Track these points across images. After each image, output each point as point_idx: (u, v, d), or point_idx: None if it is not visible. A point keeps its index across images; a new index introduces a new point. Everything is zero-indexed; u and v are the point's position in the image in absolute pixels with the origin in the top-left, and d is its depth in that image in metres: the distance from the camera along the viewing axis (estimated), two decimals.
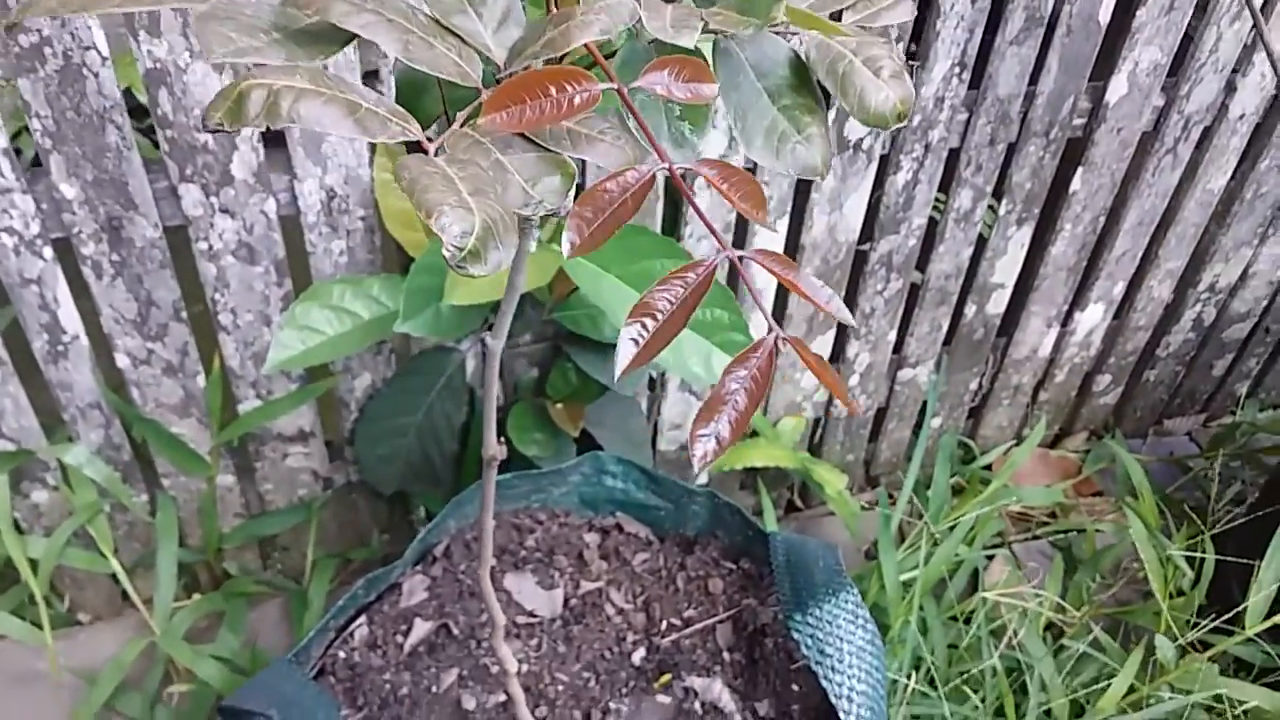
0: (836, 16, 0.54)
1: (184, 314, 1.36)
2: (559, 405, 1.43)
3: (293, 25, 0.46)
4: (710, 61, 0.52)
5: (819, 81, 0.54)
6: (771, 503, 1.74)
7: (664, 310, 0.42)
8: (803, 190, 1.47)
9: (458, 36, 0.49)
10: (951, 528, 1.67)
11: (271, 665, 1.09)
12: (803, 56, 0.53)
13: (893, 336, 1.69)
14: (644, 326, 0.42)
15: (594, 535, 1.33)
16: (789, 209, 1.48)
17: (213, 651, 1.48)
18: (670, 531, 1.33)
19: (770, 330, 0.43)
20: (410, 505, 1.69)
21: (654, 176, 0.44)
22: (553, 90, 0.43)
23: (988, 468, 1.88)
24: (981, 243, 1.63)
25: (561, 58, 0.49)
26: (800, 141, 0.52)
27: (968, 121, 1.46)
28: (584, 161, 0.71)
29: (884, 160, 1.47)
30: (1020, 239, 1.62)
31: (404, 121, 0.44)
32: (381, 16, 0.46)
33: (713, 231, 0.43)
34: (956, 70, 1.38)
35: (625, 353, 0.42)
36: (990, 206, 1.59)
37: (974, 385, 1.83)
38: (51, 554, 1.44)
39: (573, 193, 0.47)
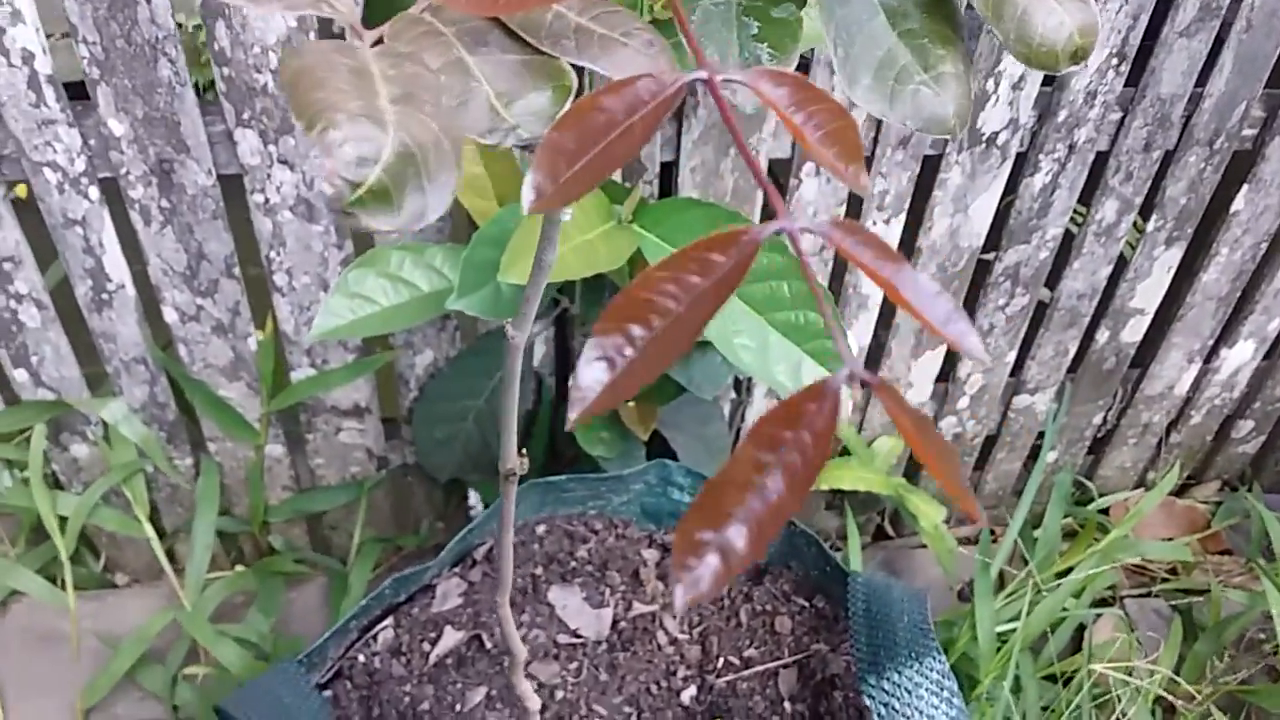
0: None
1: (236, 270, 1.26)
2: (630, 404, 1.29)
3: None
4: None
5: None
6: (858, 528, 1.59)
7: (667, 313, 0.27)
8: (924, 186, 1.31)
9: None
10: (1060, 576, 1.49)
11: (276, 667, 0.98)
12: None
13: (1012, 358, 1.51)
14: (628, 341, 0.27)
15: (653, 552, 1.19)
16: (906, 206, 1.32)
17: (239, 633, 1.38)
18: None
19: (846, 368, 0.28)
20: (467, 494, 1.57)
21: (680, 89, 0.29)
22: None
23: (1104, 511, 1.70)
24: (1122, 262, 1.44)
25: None
26: (925, 82, 0.37)
27: (1121, 122, 1.28)
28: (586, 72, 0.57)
29: (1020, 159, 1.30)
30: (1168, 261, 1.43)
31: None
32: None
33: (764, 184, 0.29)
34: (1114, 62, 1.21)
35: (589, 381, 0.27)
36: (1136, 223, 1.40)
37: (1098, 419, 1.65)
38: (81, 512, 1.36)
39: None
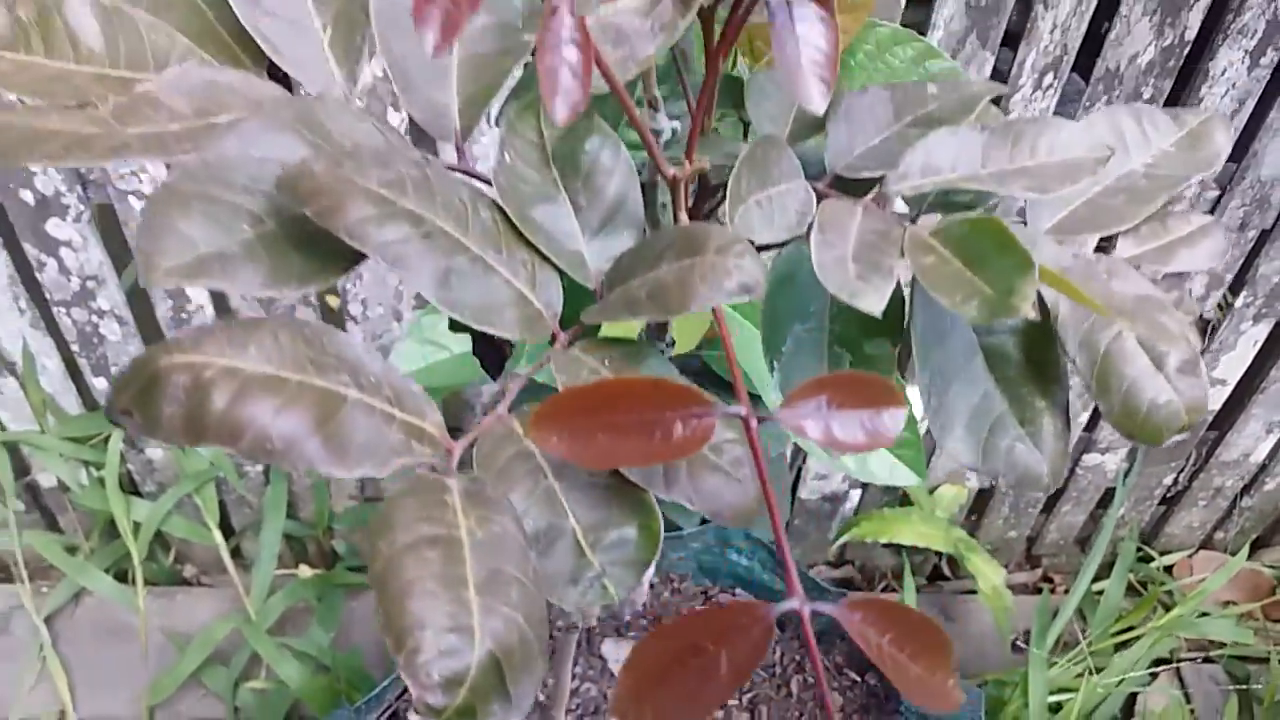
0: (1107, 242, 0.38)
1: (313, 299, 1.28)
2: None
3: (286, 212, 0.34)
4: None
5: (1065, 351, 0.37)
6: (913, 569, 1.58)
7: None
8: None
9: (532, 248, 0.36)
10: (1116, 635, 1.48)
11: (332, 716, 1.01)
12: (1050, 310, 0.37)
13: (1085, 417, 1.49)
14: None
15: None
16: None
17: (300, 645, 1.42)
18: (793, 625, 1.19)
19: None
20: None
21: (768, 621, 0.30)
22: (640, 409, 0.29)
23: (1169, 568, 1.67)
24: (1209, 331, 1.41)
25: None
26: (1021, 438, 0.37)
27: (1218, 200, 1.24)
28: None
29: None
30: (1254, 336, 1.40)
31: (415, 422, 0.31)
32: (416, 230, 0.33)
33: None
34: None
35: None
36: (1225, 298, 1.36)
37: (1168, 480, 1.61)
38: (154, 519, 1.40)
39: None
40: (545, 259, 0.37)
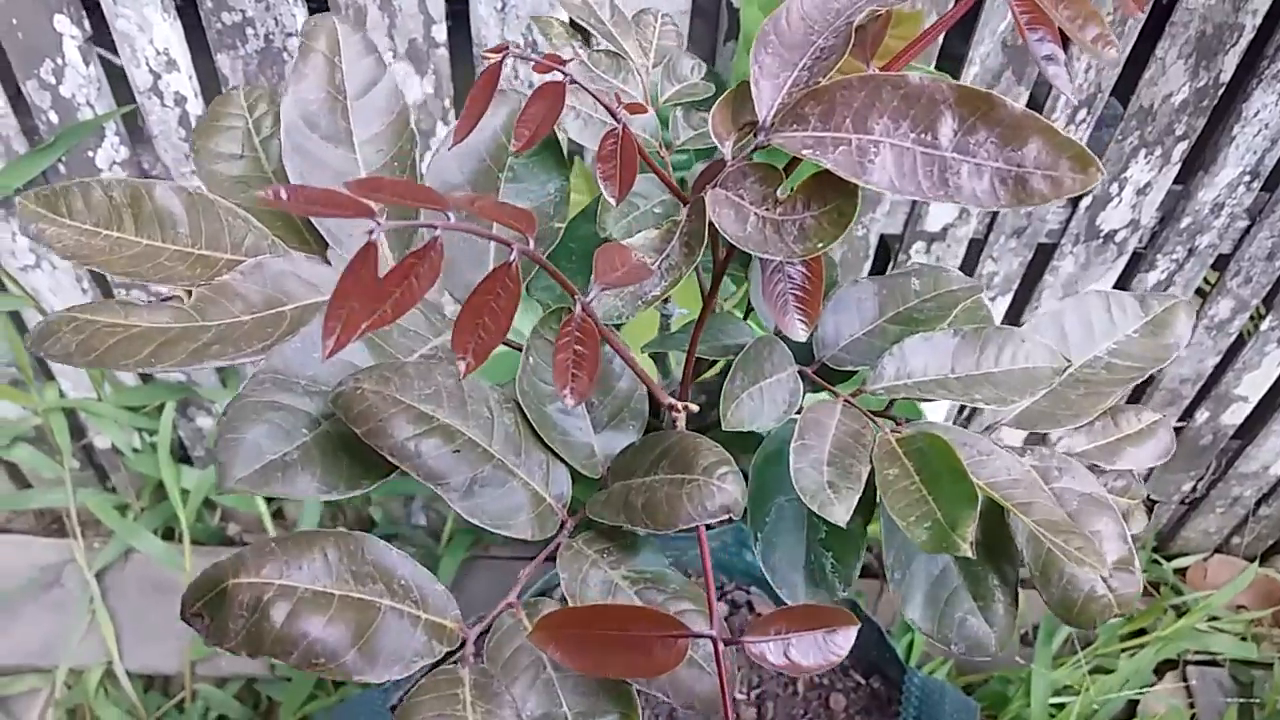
0: (1038, 439, 0.42)
1: None
2: None
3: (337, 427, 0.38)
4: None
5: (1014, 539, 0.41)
6: None
7: None
8: (1035, 268, 1.31)
9: (549, 449, 0.40)
10: (1125, 639, 1.52)
11: (359, 698, 1.07)
12: (1002, 503, 0.41)
13: None
14: None
15: (721, 606, 1.25)
16: (1014, 288, 1.32)
17: None
18: None
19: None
20: None
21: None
22: (625, 628, 0.34)
23: (1182, 570, 1.70)
24: (1232, 349, 1.43)
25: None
26: (973, 611, 0.41)
27: (1247, 230, 1.25)
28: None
29: (1136, 254, 1.29)
30: (1279, 357, 1.41)
31: (437, 621, 0.35)
32: (449, 445, 0.38)
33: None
34: (1246, 179, 1.18)
35: None
36: (1258, 309, 1.38)
37: (1187, 487, 1.64)
38: (202, 488, 1.47)
39: None
40: (557, 455, 0.42)
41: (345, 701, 1.16)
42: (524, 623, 0.39)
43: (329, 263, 0.48)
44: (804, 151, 0.36)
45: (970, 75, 1.05)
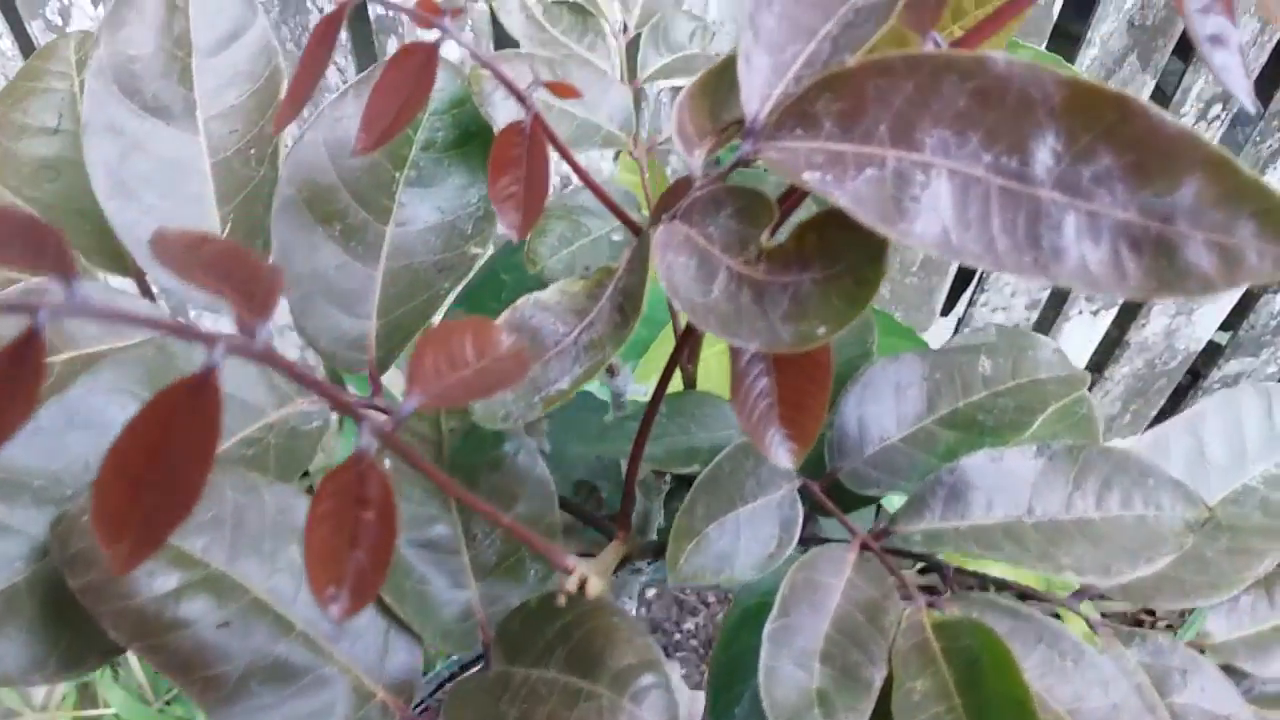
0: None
1: None
2: None
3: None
4: None
5: None
6: None
7: None
8: None
9: (387, 611, 0.27)
10: None
11: None
12: None
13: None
14: None
15: None
16: (1119, 301, 1.15)
17: None
18: None
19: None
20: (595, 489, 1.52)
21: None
22: None
23: None
24: None
25: None
26: None
27: None
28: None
29: None
30: None
31: None
32: (224, 606, 0.24)
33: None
34: None
35: None
36: None
37: None
38: None
39: None
40: (400, 623, 0.28)
41: None
42: None
43: (149, 291, 0.35)
44: (808, 175, 0.22)
45: (1086, 61, 0.88)
